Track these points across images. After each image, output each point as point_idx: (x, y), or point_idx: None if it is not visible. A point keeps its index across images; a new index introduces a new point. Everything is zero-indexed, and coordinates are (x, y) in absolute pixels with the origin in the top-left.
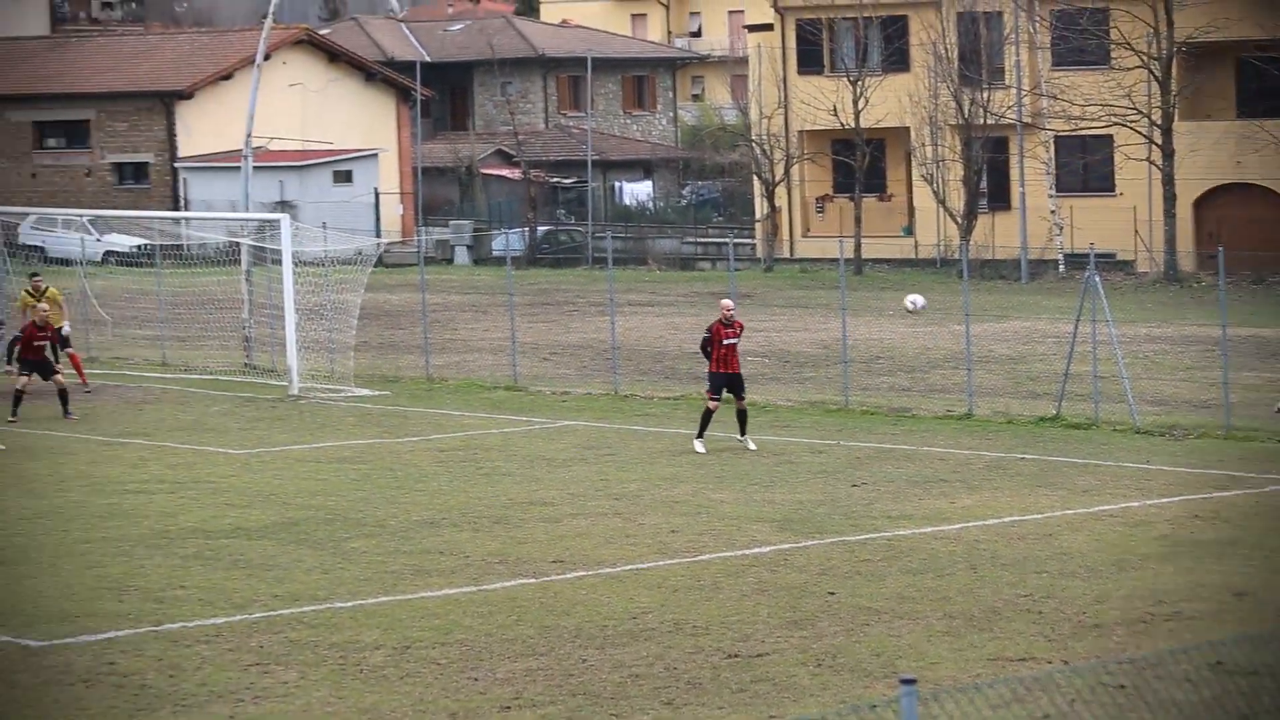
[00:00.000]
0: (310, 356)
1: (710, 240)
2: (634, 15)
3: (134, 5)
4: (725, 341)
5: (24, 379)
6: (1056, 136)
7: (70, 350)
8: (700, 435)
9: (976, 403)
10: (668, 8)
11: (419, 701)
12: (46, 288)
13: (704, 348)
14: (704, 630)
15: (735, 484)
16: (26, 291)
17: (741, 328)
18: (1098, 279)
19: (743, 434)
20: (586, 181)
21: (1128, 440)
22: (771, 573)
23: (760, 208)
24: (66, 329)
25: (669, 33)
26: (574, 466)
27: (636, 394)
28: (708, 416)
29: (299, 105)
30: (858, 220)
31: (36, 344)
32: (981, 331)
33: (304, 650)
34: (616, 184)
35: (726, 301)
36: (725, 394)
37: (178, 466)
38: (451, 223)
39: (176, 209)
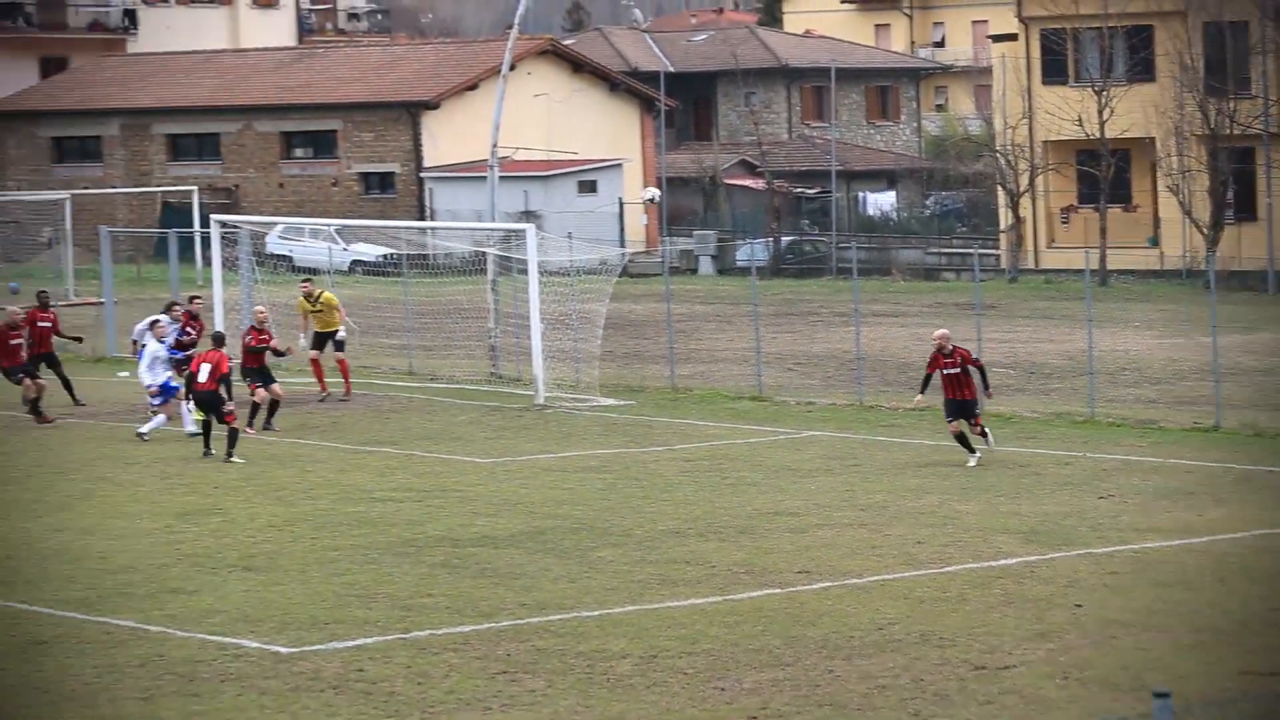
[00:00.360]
0: (556, 366)
1: (954, 251)
2: (877, 25)
3: (380, 16)
4: (945, 372)
5: (260, 392)
6: None
7: (341, 356)
8: (971, 451)
9: (1224, 415)
10: (911, 17)
11: (665, 711)
12: (320, 292)
13: (925, 382)
14: (950, 642)
15: (981, 495)
16: (303, 297)
17: (965, 355)
18: None
19: (971, 450)
20: (830, 191)
21: None
22: (1018, 584)
23: (1004, 218)
24: (342, 333)
25: (912, 42)
26: (819, 477)
27: (881, 405)
28: (959, 439)
29: (544, 115)
30: (1103, 231)
31: (255, 351)
32: (1229, 343)
33: (551, 658)
34: (860, 194)
35: (941, 331)
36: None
37: (425, 475)
38: (695, 233)
39: (422, 218)
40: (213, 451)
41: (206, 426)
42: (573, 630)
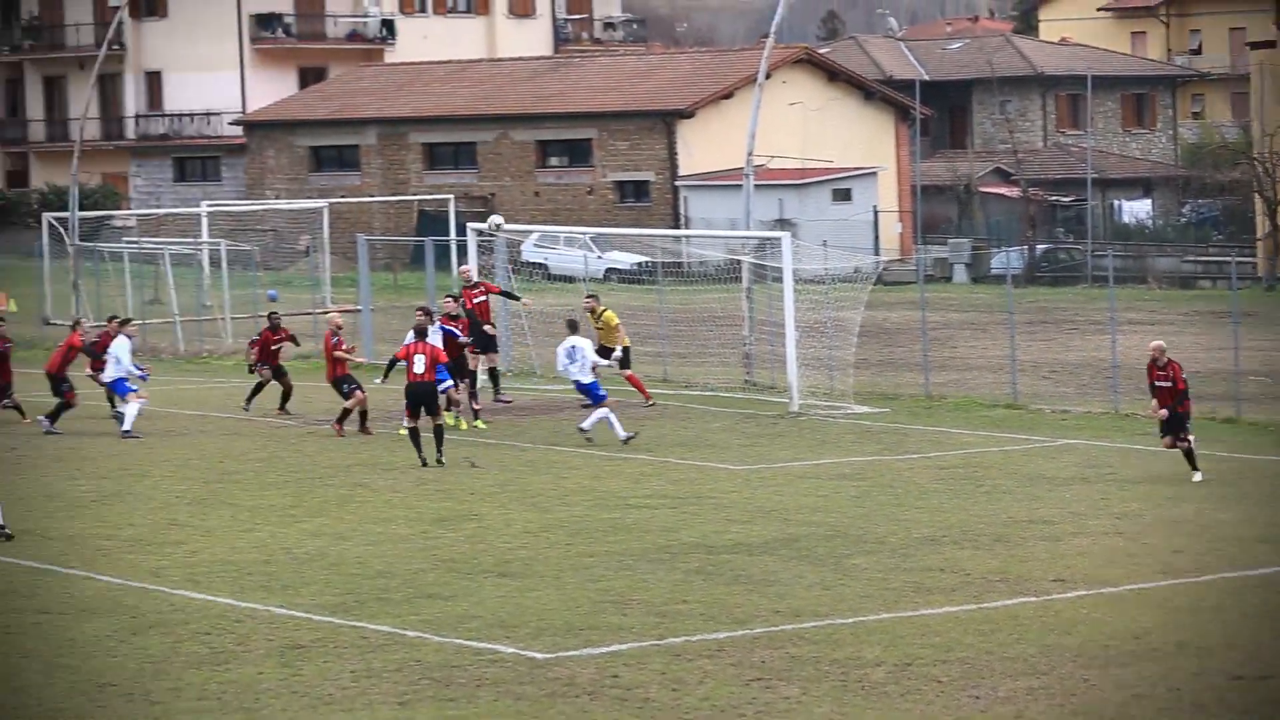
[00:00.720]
0: (810, 373)
1: (1210, 259)
2: (1133, 33)
3: (635, 26)
4: (1157, 384)
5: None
6: None
7: (628, 372)
8: (1194, 468)
9: None
10: (1168, 25)
11: (920, 719)
12: (603, 310)
13: (1152, 391)
14: (1208, 651)
15: (1240, 504)
16: (588, 312)
17: (1176, 371)
18: None
19: (1193, 467)
20: (1085, 200)
21: None
22: (1279, 595)
23: (1261, 226)
24: (618, 353)
25: (1169, 50)
26: (1074, 485)
27: (1137, 413)
28: (1186, 455)
29: (798, 124)
30: None
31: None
32: None
33: (805, 666)
34: (1115, 202)
35: (1156, 343)
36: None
37: (680, 482)
38: (950, 241)
39: (677, 227)
40: (429, 462)
41: (415, 434)
42: (827, 637)
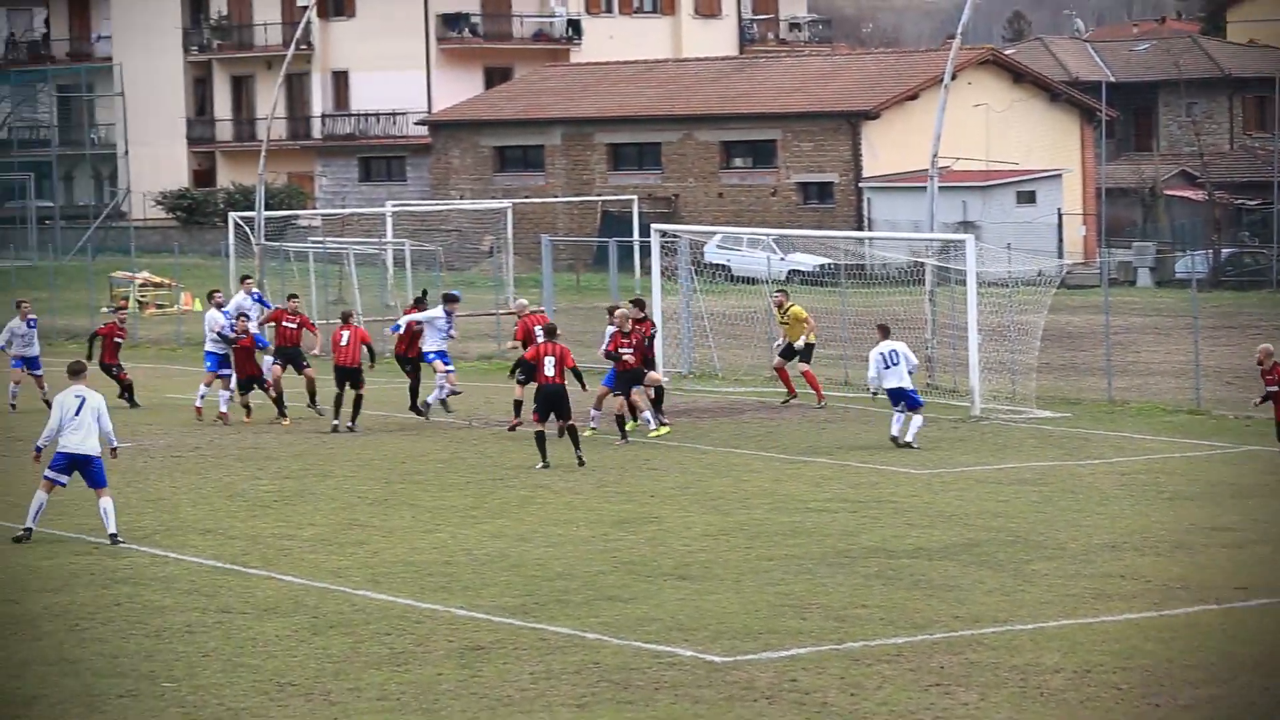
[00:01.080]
0: (992, 377)
1: None
2: None
3: (821, 26)
4: (1268, 389)
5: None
6: None
7: (805, 367)
8: None
9: None
10: None
11: None
12: (790, 305)
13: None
14: None
15: None
16: (775, 307)
17: None
18: None
19: None
20: (1273, 203)
21: None
22: None
23: None
24: (800, 343)
25: None
26: (1258, 493)
27: None
28: None
29: (982, 125)
30: None
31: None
32: None
33: (984, 672)
34: None
35: (1263, 346)
36: None
37: (860, 485)
38: (1134, 244)
39: (860, 228)
40: (550, 465)
41: (542, 438)
42: (1006, 643)
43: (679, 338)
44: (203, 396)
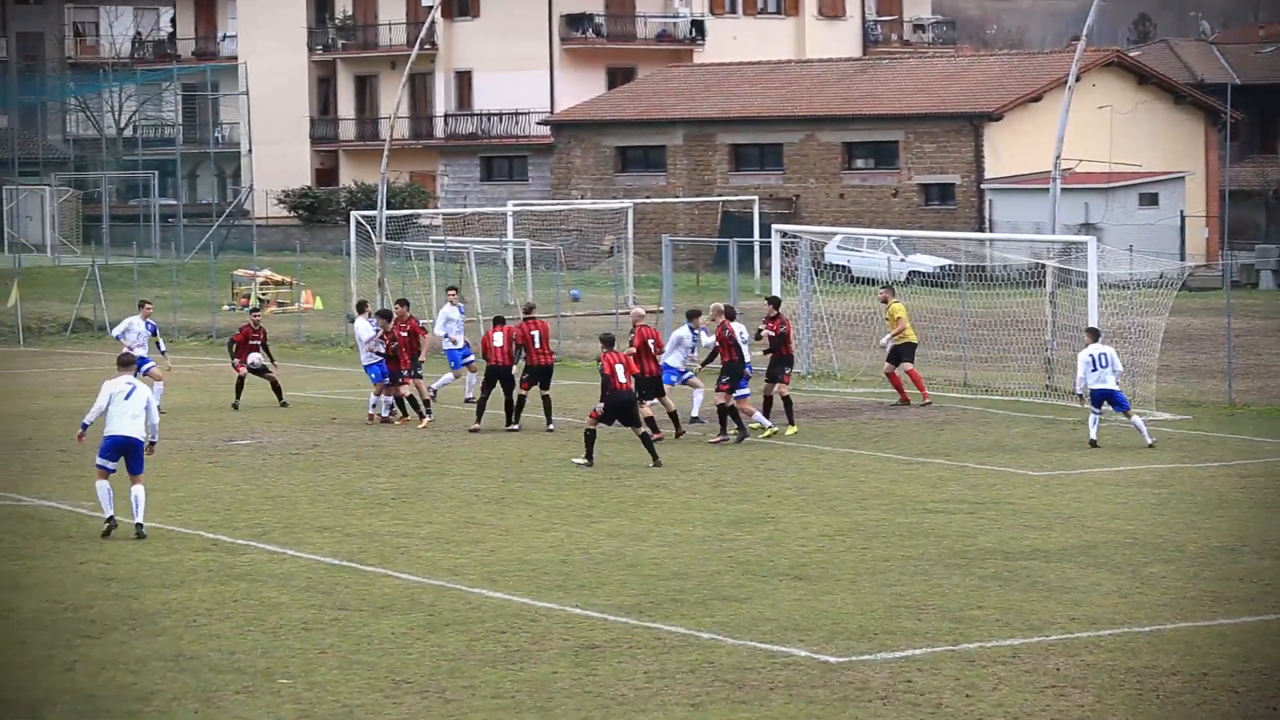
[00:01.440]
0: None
1: None
2: None
3: (945, 28)
4: None
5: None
6: None
7: (909, 365)
8: None
9: None
10: None
11: None
12: (892, 303)
13: None
14: None
15: None
16: (881, 302)
17: None
18: None
19: None
20: None
21: None
22: None
23: None
24: (884, 341)
25: None
26: None
27: None
28: None
29: (1106, 127)
30: None
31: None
32: None
33: (1100, 674)
34: None
35: None
36: None
37: (978, 487)
38: (1257, 246)
39: (981, 230)
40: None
41: (591, 436)
42: (1123, 646)
43: (798, 338)
44: (374, 405)
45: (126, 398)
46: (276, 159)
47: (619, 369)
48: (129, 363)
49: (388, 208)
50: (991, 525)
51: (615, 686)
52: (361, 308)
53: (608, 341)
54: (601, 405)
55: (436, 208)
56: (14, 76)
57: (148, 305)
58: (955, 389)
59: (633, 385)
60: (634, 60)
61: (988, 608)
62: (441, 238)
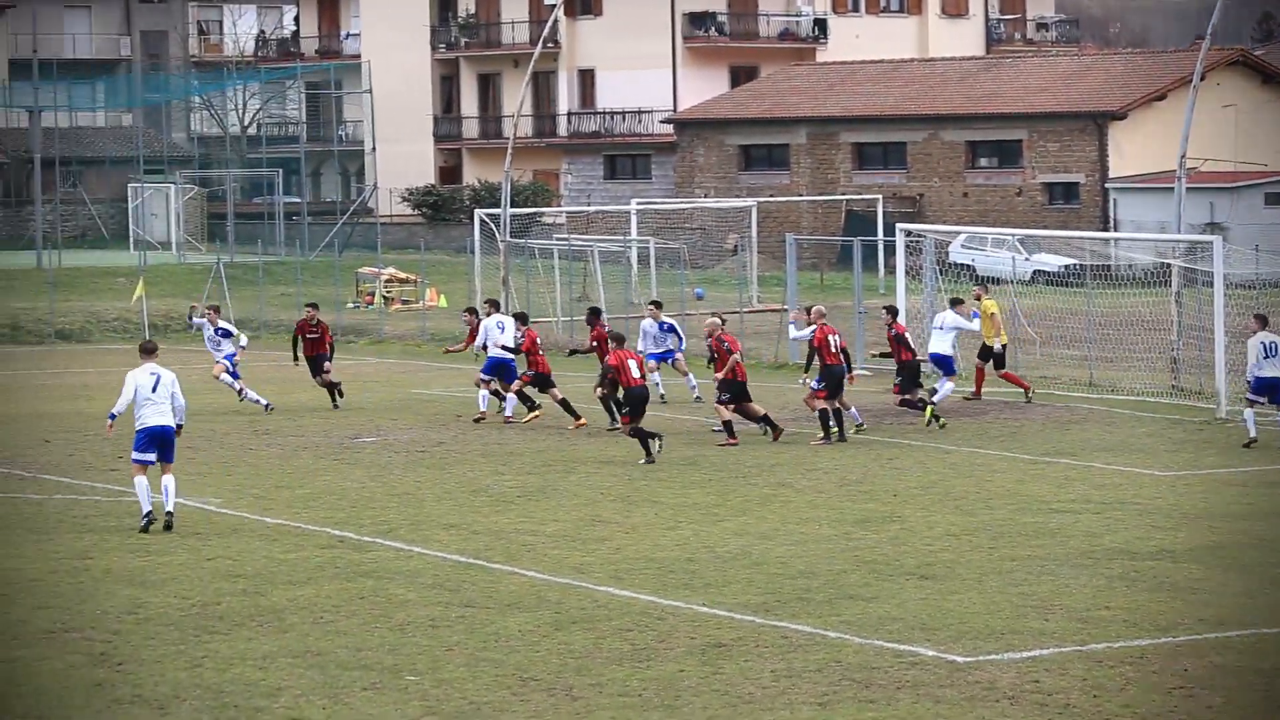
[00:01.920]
0: (1238, 380)
1: None
2: None
3: (1068, 26)
4: None
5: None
6: None
7: (980, 363)
8: None
9: None
10: None
11: None
12: (984, 300)
13: None
14: None
15: None
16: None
17: None
18: None
19: None
20: None
21: None
22: None
23: None
24: (998, 346)
25: None
26: None
27: None
28: None
29: (1231, 126)
30: None
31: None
32: None
33: (1229, 676)
34: None
35: None
36: None
37: (1104, 487)
38: None
39: (1105, 229)
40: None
41: (641, 434)
42: (1251, 647)
43: (923, 337)
44: (510, 404)
45: (153, 389)
46: (400, 157)
47: (631, 364)
48: (151, 350)
49: (511, 206)
50: (1118, 525)
51: (742, 685)
52: (495, 306)
53: (618, 339)
54: (628, 410)
55: (560, 206)
56: (139, 75)
57: (209, 309)
58: (1080, 389)
59: (645, 381)
60: (756, 59)
61: (1115, 608)
62: (565, 236)
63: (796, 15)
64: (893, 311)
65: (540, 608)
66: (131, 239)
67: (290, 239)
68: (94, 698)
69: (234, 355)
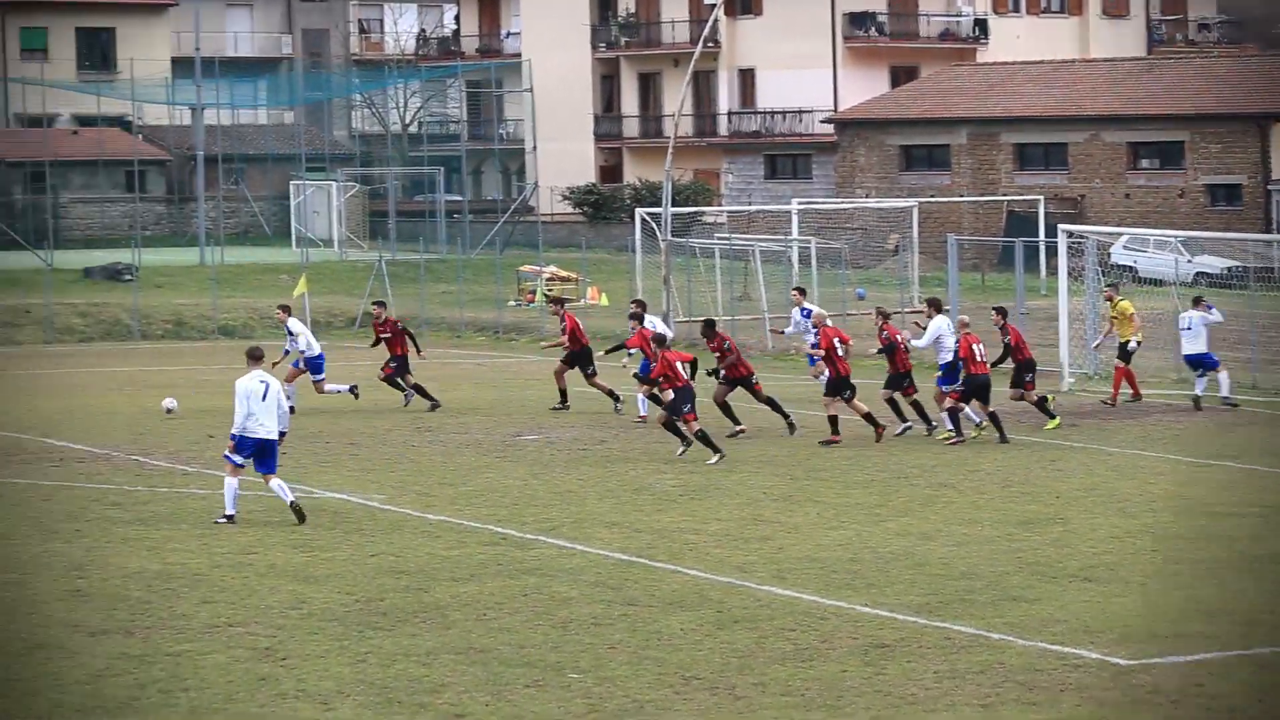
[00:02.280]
0: None
1: None
2: None
3: (1230, 27)
4: None
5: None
6: None
7: (1120, 364)
8: None
9: None
10: None
11: None
12: (1118, 300)
13: None
14: None
15: None
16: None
17: None
18: None
19: None
20: None
21: None
22: None
23: None
24: (1134, 344)
25: None
26: None
27: None
28: None
29: None
30: None
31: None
32: None
33: None
34: None
35: None
36: None
37: (1267, 490)
38: None
39: (1269, 231)
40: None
41: (674, 428)
42: None
43: (1084, 339)
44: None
45: (263, 398)
46: (560, 156)
47: (678, 365)
48: (258, 356)
49: (672, 205)
50: None
51: (905, 686)
52: (642, 307)
53: (660, 342)
54: (689, 408)
55: (720, 205)
56: (300, 73)
57: (279, 309)
58: (1244, 391)
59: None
60: (916, 59)
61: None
62: (726, 235)
63: (957, 15)
64: (1002, 312)
65: (703, 606)
66: (293, 236)
67: (451, 237)
68: (258, 692)
69: (317, 356)
